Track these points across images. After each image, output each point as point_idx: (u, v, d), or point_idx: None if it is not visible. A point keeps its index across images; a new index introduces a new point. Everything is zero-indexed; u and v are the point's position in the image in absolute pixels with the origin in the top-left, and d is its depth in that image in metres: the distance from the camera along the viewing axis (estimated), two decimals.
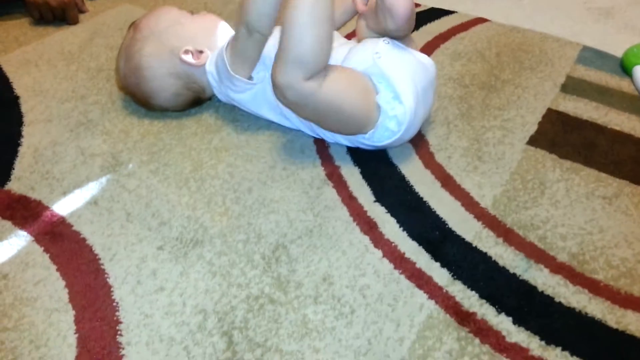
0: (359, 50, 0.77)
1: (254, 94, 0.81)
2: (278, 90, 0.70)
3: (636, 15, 1.22)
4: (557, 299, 0.60)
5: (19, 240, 0.67)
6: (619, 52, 1.04)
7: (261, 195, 0.73)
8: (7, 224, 0.69)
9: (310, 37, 0.67)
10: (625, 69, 1.00)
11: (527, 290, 0.61)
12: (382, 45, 0.76)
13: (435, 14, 1.21)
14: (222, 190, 0.74)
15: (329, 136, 0.80)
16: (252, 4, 0.73)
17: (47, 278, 0.62)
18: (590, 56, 1.05)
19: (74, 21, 1.17)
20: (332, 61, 0.73)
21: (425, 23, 1.17)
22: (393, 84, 0.73)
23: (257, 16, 0.73)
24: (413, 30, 1.13)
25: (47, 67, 1.01)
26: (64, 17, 1.16)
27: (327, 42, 0.69)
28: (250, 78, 0.80)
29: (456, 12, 1.22)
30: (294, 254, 0.65)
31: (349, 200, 0.72)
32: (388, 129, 0.74)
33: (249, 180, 0.75)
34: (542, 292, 0.61)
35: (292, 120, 0.81)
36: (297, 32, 0.66)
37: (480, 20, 1.18)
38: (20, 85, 0.96)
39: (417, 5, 1.26)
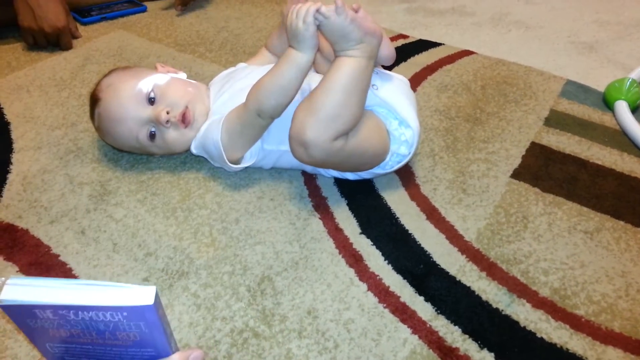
0: None
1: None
2: (302, 146, 0.68)
3: (619, 50, 1.25)
4: (539, 335, 0.60)
5: (5, 270, 0.67)
6: (601, 87, 1.07)
7: (248, 226, 0.74)
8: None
9: (351, 103, 0.68)
10: (607, 104, 1.02)
11: (510, 325, 0.61)
12: (375, 77, 0.78)
13: (423, 45, 1.24)
14: (210, 220, 0.75)
15: (334, 174, 0.81)
16: (270, 95, 0.72)
17: None
18: (574, 90, 1.07)
19: (67, 47, 1.18)
20: None
21: (413, 55, 1.19)
22: (397, 111, 0.76)
23: (275, 108, 0.73)
24: (401, 62, 1.16)
25: (39, 93, 1.02)
26: (57, 42, 1.17)
27: (360, 113, 0.71)
28: (242, 157, 0.79)
29: (443, 44, 1.25)
30: (280, 286, 0.65)
31: (335, 231, 0.73)
32: (399, 154, 0.77)
33: (236, 211, 0.76)
34: (524, 327, 0.61)
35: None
36: (337, 94, 0.67)
37: (467, 53, 1.21)
38: (11, 111, 0.97)
39: (404, 37, 1.28)
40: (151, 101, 0.77)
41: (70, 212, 0.75)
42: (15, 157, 0.85)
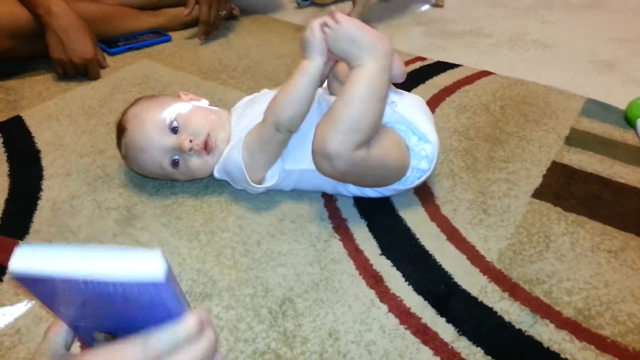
0: None
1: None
2: (326, 159, 0.69)
3: (638, 67, 1.25)
4: (563, 355, 0.60)
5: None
6: (622, 105, 1.06)
7: (269, 248, 0.75)
8: None
9: (370, 112, 0.70)
10: (629, 121, 1.01)
11: (533, 346, 0.61)
12: (392, 94, 0.80)
13: (441, 67, 1.25)
14: (232, 243, 0.76)
15: (355, 191, 0.82)
16: (286, 106, 0.75)
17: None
18: (594, 109, 1.07)
19: (95, 77, 1.23)
20: None
21: (432, 76, 1.20)
22: (416, 127, 0.78)
23: (291, 118, 0.75)
24: (420, 84, 1.17)
25: (68, 122, 1.06)
26: (86, 73, 1.22)
27: (379, 121, 0.72)
28: (264, 177, 0.81)
29: (461, 65, 1.26)
30: (301, 308, 0.66)
31: (355, 253, 0.74)
32: (420, 169, 0.78)
33: (257, 233, 0.77)
34: (548, 348, 0.61)
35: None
36: (357, 105, 0.69)
37: (485, 74, 1.22)
38: (41, 139, 1.01)
39: (422, 59, 1.30)
40: (174, 130, 0.79)
41: (97, 236, 0.78)
42: (45, 184, 0.89)
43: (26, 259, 0.36)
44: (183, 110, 0.82)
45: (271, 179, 0.80)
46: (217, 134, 0.82)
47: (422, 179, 0.79)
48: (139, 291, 0.36)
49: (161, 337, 0.37)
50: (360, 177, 0.76)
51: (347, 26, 0.70)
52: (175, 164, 0.80)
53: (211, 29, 1.45)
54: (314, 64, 0.74)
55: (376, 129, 0.72)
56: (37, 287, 0.38)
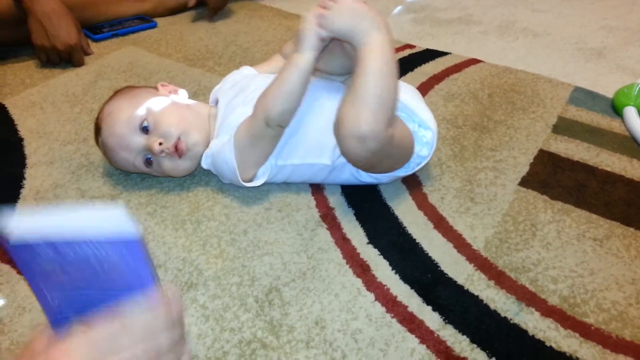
0: None
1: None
2: (360, 141, 0.67)
3: (627, 55, 1.25)
4: (547, 343, 0.60)
5: (17, 284, 0.68)
6: (610, 93, 1.06)
7: (256, 237, 0.74)
8: (6, 267, 0.70)
9: (393, 85, 0.69)
10: (616, 110, 1.02)
11: (518, 334, 0.61)
12: None
13: (430, 55, 1.25)
14: (218, 232, 0.75)
15: (349, 179, 0.81)
16: (276, 101, 0.73)
17: (44, 322, 0.63)
18: (582, 97, 1.07)
19: (79, 63, 1.21)
20: None
21: (420, 64, 1.20)
22: (415, 114, 0.78)
23: (282, 113, 0.74)
24: (408, 72, 1.16)
25: (52, 109, 1.04)
26: (69, 59, 1.20)
27: (398, 91, 0.71)
28: (255, 174, 0.80)
29: (450, 53, 1.25)
30: (287, 297, 0.66)
31: (343, 242, 0.73)
32: (420, 155, 0.79)
33: (244, 222, 0.77)
34: (532, 336, 0.61)
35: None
36: (382, 81, 0.68)
37: (474, 61, 1.21)
38: (24, 127, 0.99)
39: (411, 47, 1.29)
40: (145, 130, 0.77)
41: None
42: (28, 172, 0.87)
43: (19, 227, 0.37)
44: (156, 108, 0.79)
45: (262, 176, 0.79)
46: (188, 136, 0.79)
47: (421, 165, 0.80)
48: (118, 254, 0.38)
49: (135, 320, 0.38)
50: (382, 159, 0.74)
51: (346, 2, 0.70)
52: (148, 162, 0.79)
53: (218, 9, 1.47)
54: (303, 59, 0.72)
55: (397, 102, 0.71)
56: (28, 259, 0.38)
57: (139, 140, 0.77)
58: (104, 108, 0.81)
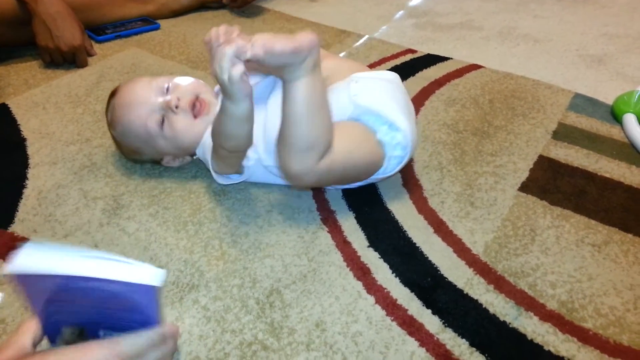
0: (332, 99, 0.71)
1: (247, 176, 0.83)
2: (293, 178, 0.69)
3: (627, 63, 1.25)
4: (546, 348, 0.60)
5: None
6: (609, 100, 1.07)
7: (257, 239, 0.75)
8: None
9: (317, 124, 0.66)
10: (615, 117, 1.02)
11: (517, 338, 0.62)
12: (354, 86, 0.77)
13: (431, 60, 1.25)
14: (219, 234, 0.76)
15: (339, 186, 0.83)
16: (224, 139, 0.70)
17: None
18: (582, 103, 1.08)
19: (82, 64, 1.21)
20: None
21: (421, 69, 1.21)
22: (383, 116, 0.75)
23: (236, 147, 0.72)
24: (410, 76, 1.17)
25: (54, 110, 1.05)
26: (73, 60, 1.21)
27: (330, 123, 0.69)
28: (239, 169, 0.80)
29: (451, 58, 1.26)
30: (288, 299, 0.66)
31: (343, 245, 0.74)
32: (396, 157, 0.77)
33: (246, 225, 0.77)
34: (531, 340, 0.61)
35: None
36: (302, 123, 0.65)
37: (475, 67, 1.22)
38: (27, 127, 0.99)
39: (413, 51, 1.30)
40: (166, 91, 0.81)
41: (84, 226, 0.77)
42: (31, 173, 0.88)
43: (29, 258, 0.37)
44: (175, 79, 0.84)
45: (240, 178, 0.82)
46: (207, 96, 0.83)
47: (402, 164, 0.78)
48: (130, 292, 0.37)
49: (128, 343, 0.40)
50: (336, 181, 0.77)
51: (260, 44, 0.60)
52: (161, 123, 0.80)
53: (246, 4, 1.54)
54: (239, 110, 0.64)
55: (330, 133, 0.68)
56: (30, 283, 0.38)
57: (157, 98, 0.80)
58: (121, 84, 0.85)
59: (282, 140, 0.67)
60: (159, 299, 0.40)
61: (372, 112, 0.76)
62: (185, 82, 0.84)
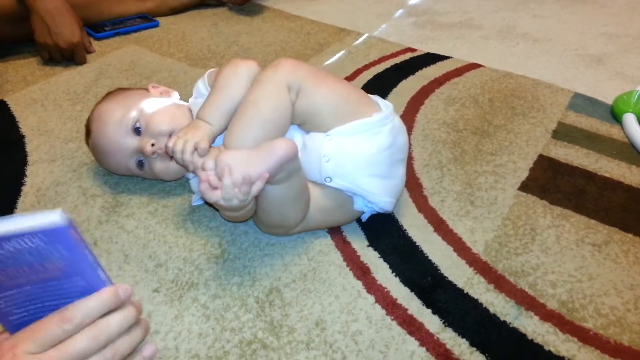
0: (304, 155, 0.70)
1: None
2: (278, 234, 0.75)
3: (627, 62, 1.25)
4: (546, 347, 0.60)
5: None
6: (609, 99, 1.07)
7: (257, 238, 0.75)
8: None
9: (289, 214, 0.70)
10: (615, 116, 1.02)
11: (517, 338, 0.61)
12: (327, 145, 0.70)
13: (431, 59, 1.25)
14: (219, 232, 0.76)
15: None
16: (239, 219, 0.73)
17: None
18: (582, 103, 1.07)
19: (81, 62, 1.21)
20: None
21: (421, 68, 1.20)
22: (358, 194, 0.72)
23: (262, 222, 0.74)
24: (409, 75, 1.16)
25: (53, 107, 1.04)
26: (72, 57, 1.20)
27: (307, 206, 0.71)
28: None
29: (451, 57, 1.26)
30: (288, 297, 0.66)
31: (343, 244, 0.74)
32: (380, 209, 0.75)
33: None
34: (531, 340, 0.61)
35: None
36: (273, 213, 0.70)
37: (474, 66, 1.22)
38: (25, 124, 0.99)
39: (412, 50, 1.30)
40: (137, 131, 0.77)
41: (82, 224, 0.77)
42: (29, 170, 0.87)
43: None
44: (147, 110, 0.78)
45: None
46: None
47: (392, 206, 0.75)
48: (46, 242, 0.37)
49: (75, 308, 0.38)
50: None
51: (238, 173, 0.59)
52: (140, 165, 0.78)
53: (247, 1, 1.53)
54: (247, 210, 0.67)
55: (303, 213, 0.71)
56: None
57: (131, 141, 0.77)
58: (94, 110, 0.80)
59: (258, 217, 0.72)
60: (82, 247, 0.39)
61: (348, 190, 0.72)
62: (157, 114, 0.78)
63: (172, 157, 0.74)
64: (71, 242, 0.38)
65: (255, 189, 0.60)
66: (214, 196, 0.60)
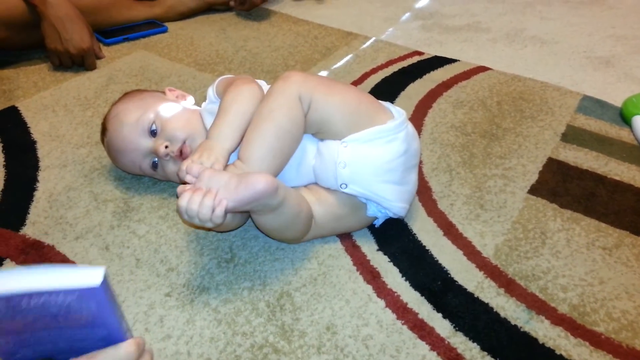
0: (319, 162, 0.73)
1: None
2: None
3: (636, 64, 1.25)
4: (558, 352, 0.60)
5: None
6: (618, 102, 1.07)
7: (267, 242, 0.75)
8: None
9: (288, 235, 0.71)
10: (624, 119, 1.02)
11: (528, 342, 0.61)
12: (343, 152, 0.70)
13: (438, 62, 1.25)
14: (230, 236, 0.76)
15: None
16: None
17: None
18: (591, 105, 1.07)
19: (91, 67, 1.22)
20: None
21: (428, 71, 1.20)
22: (373, 200, 0.72)
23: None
24: (417, 78, 1.16)
25: (64, 113, 1.05)
26: (82, 63, 1.21)
27: (306, 225, 0.71)
28: None
29: (459, 60, 1.26)
30: (298, 302, 0.66)
31: (353, 249, 0.74)
32: (394, 214, 0.75)
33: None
34: (543, 344, 0.61)
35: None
36: (272, 234, 0.72)
37: (482, 69, 1.22)
38: (37, 130, 1.00)
39: (420, 53, 1.30)
40: (153, 133, 0.78)
41: (94, 229, 0.77)
42: (41, 175, 0.88)
43: None
44: (163, 112, 0.79)
45: None
46: (194, 141, 0.78)
47: (405, 212, 0.75)
48: (78, 300, 0.36)
49: (103, 357, 0.38)
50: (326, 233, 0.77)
51: (210, 195, 0.60)
52: (154, 166, 0.79)
53: (255, 6, 1.54)
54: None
55: (306, 228, 0.71)
56: None
57: (146, 142, 0.78)
58: (111, 110, 0.82)
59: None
60: (113, 304, 0.38)
61: (362, 196, 0.72)
62: (173, 118, 0.79)
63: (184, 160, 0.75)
64: (104, 300, 0.37)
65: (217, 213, 0.59)
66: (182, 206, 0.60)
